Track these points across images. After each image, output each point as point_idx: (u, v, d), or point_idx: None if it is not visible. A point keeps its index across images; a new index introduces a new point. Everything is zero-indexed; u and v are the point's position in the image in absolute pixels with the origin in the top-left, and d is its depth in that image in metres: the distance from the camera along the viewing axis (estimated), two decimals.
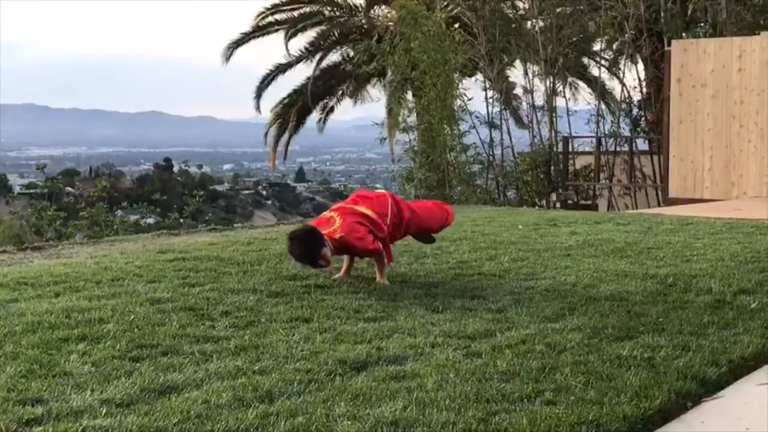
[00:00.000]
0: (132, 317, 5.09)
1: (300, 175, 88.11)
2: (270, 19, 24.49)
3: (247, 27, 24.68)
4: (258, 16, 24.27)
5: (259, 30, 24.53)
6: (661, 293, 5.98)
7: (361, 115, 34.64)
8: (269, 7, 24.29)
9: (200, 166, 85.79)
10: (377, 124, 19.52)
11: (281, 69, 24.96)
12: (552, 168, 18.46)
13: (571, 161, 18.72)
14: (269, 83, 25.25)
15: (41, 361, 4.24)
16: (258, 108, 25.72)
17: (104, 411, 3.61)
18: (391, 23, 21.08)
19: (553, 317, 5.28)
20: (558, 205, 17.51)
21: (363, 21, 24.05)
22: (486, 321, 5.15)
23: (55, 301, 5.50)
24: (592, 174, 18.58)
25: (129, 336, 4.70)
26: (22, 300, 5.54)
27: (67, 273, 6.47)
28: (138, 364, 4.23)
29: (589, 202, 18.04)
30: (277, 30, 24.37)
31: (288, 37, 23.93)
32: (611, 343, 4.71)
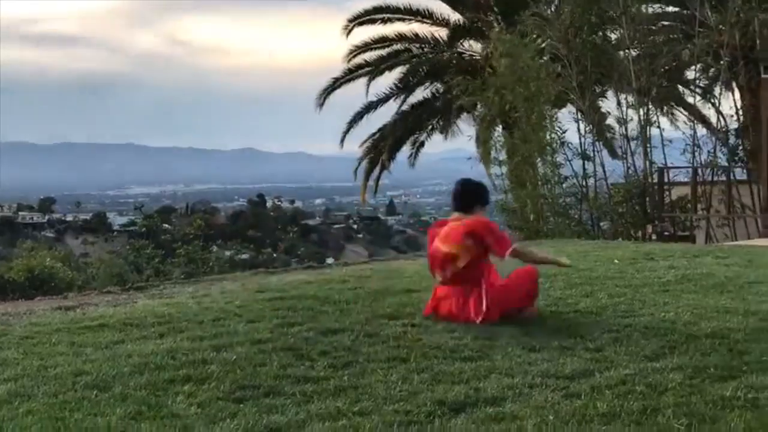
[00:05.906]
0: (234, 358, 5.21)
1: (390, 209, 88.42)
2: (359, 60, 24.83)
3: (336, 72, 25.14)
4: (348, 54, 24.64)
5: (349, 73, 24.93)
6: (765, 330, 5.84)
7: (450, 147, 34.64)
8: (359, 45, 24.63)
9: (292, 201, 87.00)
10: (469, 158, 19.51)
11: (372, 106, 25.28)
12: (647, 199, 18.16)
13: (666, 192, 18.39)
14: (358, 120, 25.61)
15: (149, 403, 4.36)
16: (341, 144, 26.28)
17: None
18: (478, 57, 21.14)
19: (653, 356, 5.20)
20: (654, 237, 17.20)
21: (451, 56, 24.20)
22: (584, 360, 5.11)
23: (159, 342, 5.66)
24: (688, 205, 18.21)
25: (232, 377, 4.80)
26: (129, 341, 5.72)
27: (170, 313, 6.65)
28: (242, 405, 4.32)
29: (687, 233, 17.65)
30: (366, 72, 24.74)
31: (370, 79, 24.31)
32: (714, 383, 4.62)
